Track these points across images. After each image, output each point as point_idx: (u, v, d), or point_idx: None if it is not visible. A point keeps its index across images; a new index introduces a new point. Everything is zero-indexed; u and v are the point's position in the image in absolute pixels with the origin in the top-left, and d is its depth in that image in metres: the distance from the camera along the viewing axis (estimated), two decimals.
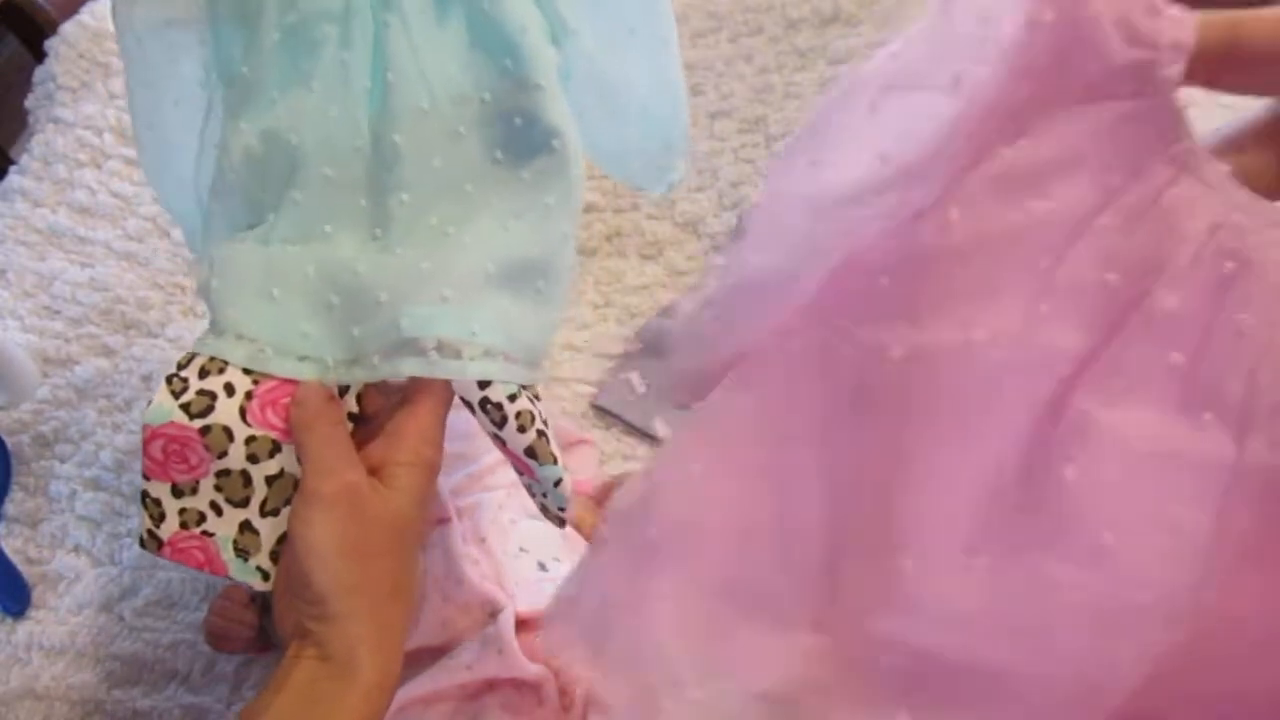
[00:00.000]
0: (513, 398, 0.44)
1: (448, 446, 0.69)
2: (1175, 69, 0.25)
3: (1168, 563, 0.27)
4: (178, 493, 0.44)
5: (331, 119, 0.44)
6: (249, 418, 0.43)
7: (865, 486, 0.30)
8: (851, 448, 0.31)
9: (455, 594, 0.63)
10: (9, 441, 0.85)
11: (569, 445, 0.80)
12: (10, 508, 0.83)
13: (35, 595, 0.78)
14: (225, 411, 0.43)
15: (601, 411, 0.86)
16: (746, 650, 0.28)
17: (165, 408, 0.43)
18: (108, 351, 0.92)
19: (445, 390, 0.45)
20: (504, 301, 0.45)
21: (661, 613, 0.29)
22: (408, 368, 0.43)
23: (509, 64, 0.44)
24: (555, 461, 0.45)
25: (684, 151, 0.57)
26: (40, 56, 1.12)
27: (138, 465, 0.83)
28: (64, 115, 1.06)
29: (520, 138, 0.45)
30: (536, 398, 0.46)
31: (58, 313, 0.94)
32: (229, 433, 0.43)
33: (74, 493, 0.83)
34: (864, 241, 0.31)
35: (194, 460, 0.43)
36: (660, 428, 0.83)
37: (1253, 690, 0.28)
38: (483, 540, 0.65)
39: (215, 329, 0.45)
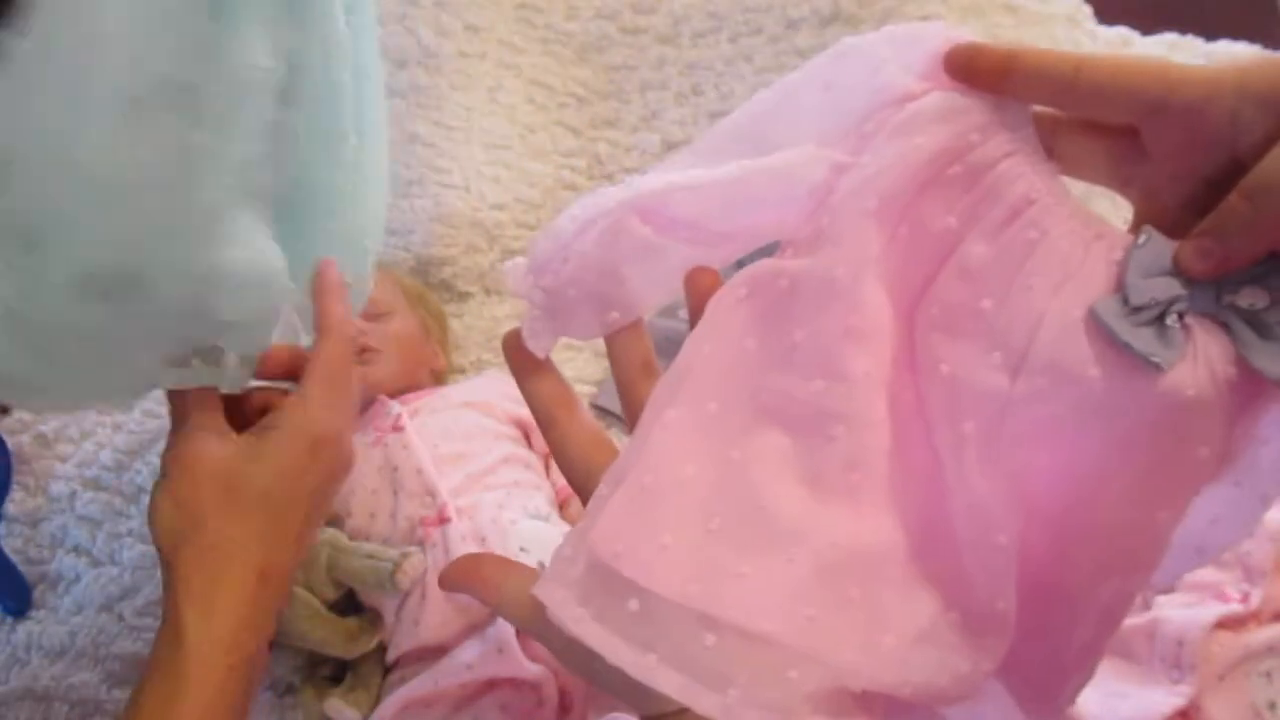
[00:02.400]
0: None
1: (448, 447, 0.69)
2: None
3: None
4: None
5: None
6: None
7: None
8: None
9: (455, 594, 0.63)
10: (9, 441, 0.85)
11: None
12: (10, 507, 0.83)
13: (35, 595, 0.78)
14: None
15: (601, 411, 0.86)
16: (749, 588, 0.30)
17: None
18: None
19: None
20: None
21: (663, 562, 0.30)
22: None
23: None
24: None
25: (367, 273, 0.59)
26: None
27: (138, 465, 0.83)
28: None
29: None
30: None
31: None
32: None
33: (74, 492, 0.83)
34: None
35: None
36: None
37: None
38: (483, 540, 0.65)
39: None
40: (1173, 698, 0.53)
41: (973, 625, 0.31)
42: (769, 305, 0.34)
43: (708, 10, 1.08)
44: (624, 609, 0.30)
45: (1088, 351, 0.29)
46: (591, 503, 0.33)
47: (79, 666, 0.73)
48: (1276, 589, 0.56)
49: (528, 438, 0.78)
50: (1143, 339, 0.28)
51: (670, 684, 0.29)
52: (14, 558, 0.79)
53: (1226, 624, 0.55)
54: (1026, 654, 0.32)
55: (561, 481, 0.77)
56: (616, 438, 0.85)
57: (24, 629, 0.76)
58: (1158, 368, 0.28)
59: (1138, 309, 0.29)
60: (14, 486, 0.84)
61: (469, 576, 0.37)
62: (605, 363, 0.89)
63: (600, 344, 0.89)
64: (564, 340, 0.98)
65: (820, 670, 0.30)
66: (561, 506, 0.75)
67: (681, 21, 1.08)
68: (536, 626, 0.34)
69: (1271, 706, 0.53)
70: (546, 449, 0.79)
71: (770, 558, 0.31)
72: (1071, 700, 0.34)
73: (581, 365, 0.89)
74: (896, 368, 0.32)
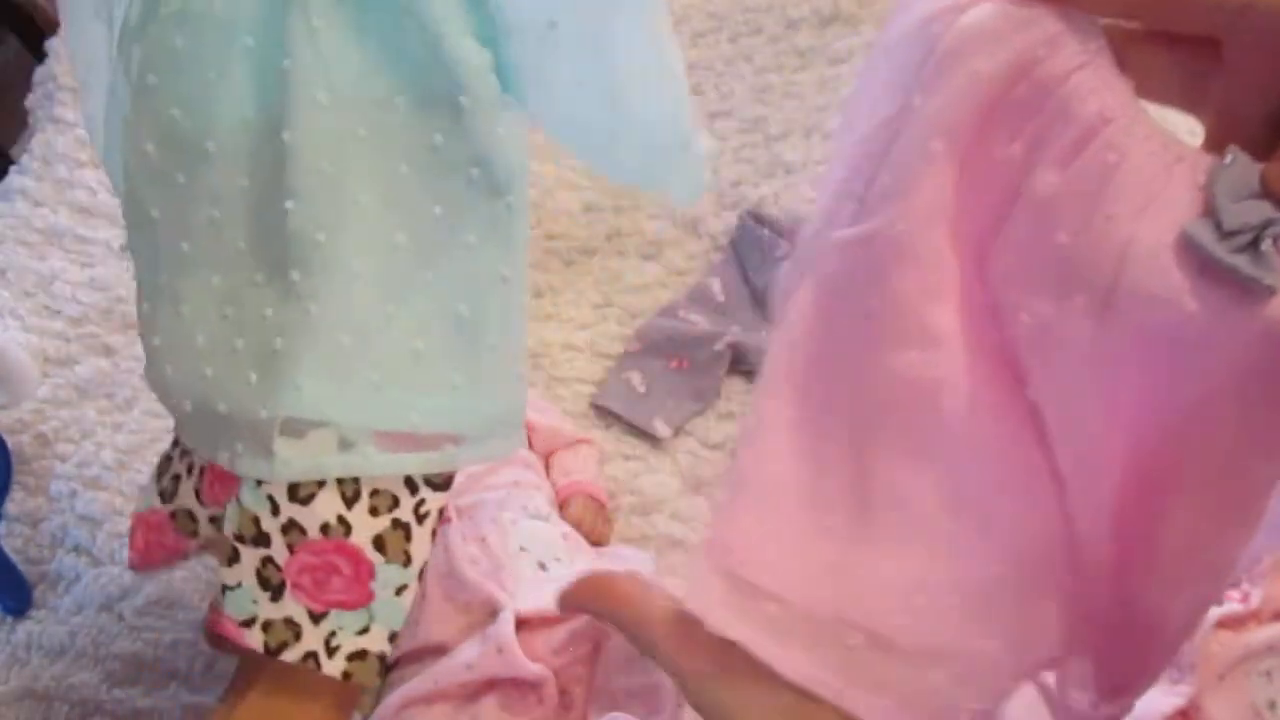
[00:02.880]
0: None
1: None
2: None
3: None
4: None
5: (227, 113, 0.38)
6: (204, 497, 0.42)
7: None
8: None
9: (455, 594, 0.63)
10: (9, 441, 0.85)
11: (569, 445, 0.80)
12: (10, 507, 0.83)
13: (35, 595, 0.78)
14: (184, 494, 0.42)
15: (601, 411, 0.86)
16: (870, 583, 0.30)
17: (149, 494, 0.43)
18: (108, 351, 0.92)
19: None
20: (449, 372, 0.40)
21: (784, 564, 0.30)
22: (330, 467, 0.40)
23: (427, 73, 0.38)
24: (407, 565, 0.41)
25: (702, 151, 0.51)
26: (40, 56, 1.12)
27: (138, 464, 0.83)
28: (64, 115, 1.06)
29: (437, 159, 0.39)
30: (411, 485, 0.42)
31: (58, 312, 0.94)
32: (191, 516, 0.42)
33: (74, 492, 0.83)
34: None
35: (169, 543, 0.44)
36: (660, 428, 0.83)
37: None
38: (483, 540, 0.65)
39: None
40: (1172, 697, 0.53)
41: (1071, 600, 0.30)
42: (839, 281, 0.31)
43: (708, 10, 1.08)
44: (763, 612, 0.29)
45: (1181, 281, 0.26)
46: (713, 513, 0.32)
47: (79, 666, 0.74)
48: (1276, 589, 0.56)
49: (528, 437, 0.78)
50: (1244, 264, 0.26)
51: (826, 688, 0.29)
52: (14, 557, 0.79)
53: (1226, 623, 0.55)
54: (1113, 633, 0.31)
55: (561, 481, 0.77)
56: (617, 438, 0.85)
57: (24, 629, 0.76)
58: (1270, 290, 0.26)
59: (1231, 234, 0.26)
60: (14, 486, 0.84)
61: (603, 594, 0.35)
62: (605, 363, 0.89)
63: (600, 344, 0.90)
64: (564, 340, 0.98)
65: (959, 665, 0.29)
66: (561, 506, 0.75)
67: (681, 21, 1.08)
68: (675, 643, 0.31)
69: (1271, 706, 0.53)
70: (546, 449, 0.79)
71: (899, 548, 0.30)
72: (1146, 689, 0.32)
73: (582, 365, 0.89)
74: (977, 320, 0.30)
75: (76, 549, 0.80)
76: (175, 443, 0.43)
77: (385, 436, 0.40)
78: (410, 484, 0.41)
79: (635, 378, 0.86)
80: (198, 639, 0.74)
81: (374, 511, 0.41)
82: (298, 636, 0.40)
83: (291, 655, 0.40)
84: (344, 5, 0.37)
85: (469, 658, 0.60)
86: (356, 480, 0.40)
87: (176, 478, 0.41)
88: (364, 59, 0.38)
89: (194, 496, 0.41)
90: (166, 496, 0.41)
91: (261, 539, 0.40)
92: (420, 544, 0.42)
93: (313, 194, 0.38)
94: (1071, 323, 0.28)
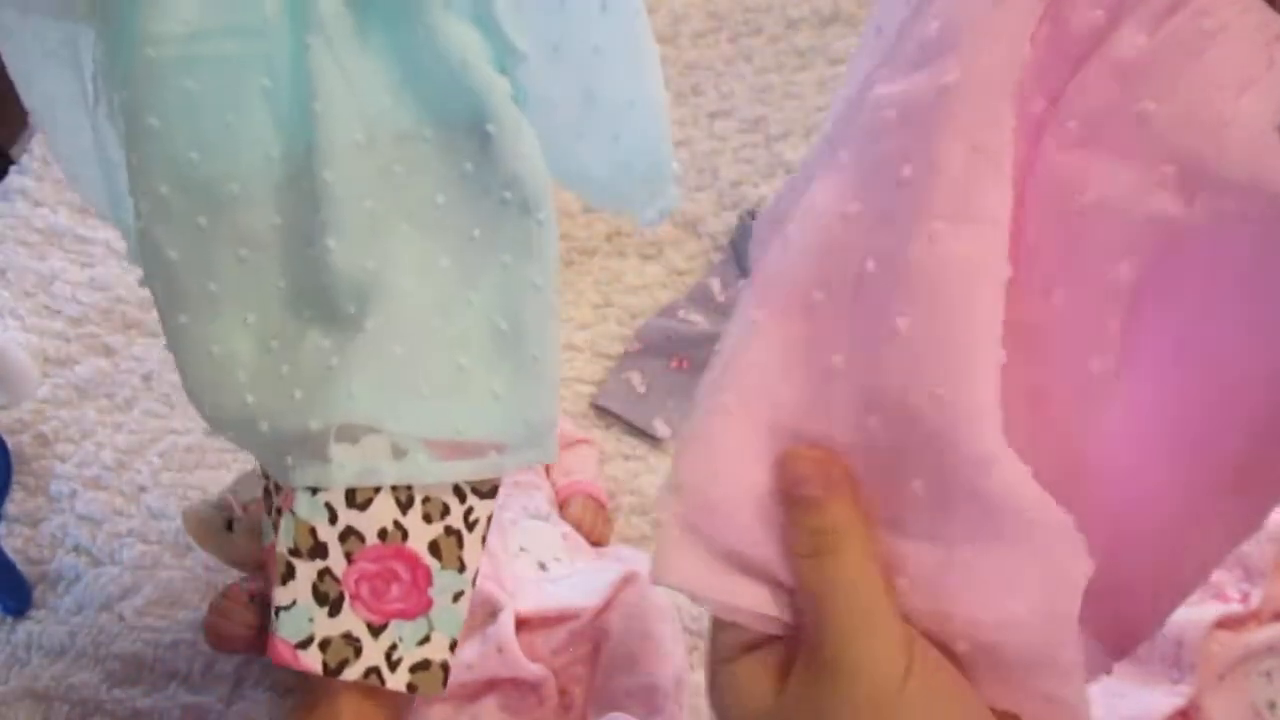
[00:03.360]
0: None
1: None
2: None
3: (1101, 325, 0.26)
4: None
5: (249, 154, 0.39)
6: (358, 610, 0.41)
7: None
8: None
9: None
10: (9, 441, 0.85)
11: (569, 445, 0.80)
12: (10, 507, 0.83)
13: (35, 595, 0.78)
14: (346, 619, 0.41)
15: (601, 411, 0.86)
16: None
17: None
18: (108, 351, 0.92)
19: None
20: (491, 384, 0.41)
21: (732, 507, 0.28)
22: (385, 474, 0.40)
23: (453, 102, 0.39)
24: (462, 571, 0.41)
25: (673, 173, 0.52)
26: None
27: (138, 464, 0.83)
28: None
29: (470, 185, 0.40)
30: (482, 494, 0.43)
31: (58, 312, 0.94)
32: (352, 640, 0.41)
33: (74, 492, 0.83)
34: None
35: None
36: (660, 428, 0.83)
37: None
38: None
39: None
40: (1172, 697, 0.53)
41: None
42: (871, 149, 0.27)
43: (708, 10, 1.08)
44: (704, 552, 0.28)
45: None
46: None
47: (79, 666, 0.74)
48: (1276, 589, 0.56)
49: None
50: None
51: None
52: (14, 558, 0.79)
53: (1226, 624, 0.55)
54: (1128, 567, 0.27)
55: (561, 481, 0.77)
56: (616, 438, 0.85)
57: (24, 629, 0.76)
58: None
59: None
60: (14, 486, 0.84)
61: None
62: (605, 363, 0.89)
63: (600, 344, 0.89)
64: (564, 340, 0.98)
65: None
66: (561, 506, 0.75)
67: (681, 21, 1.08)
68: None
69: (1271, 706, 0.53)
70: None
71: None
72: (1157, 629, 0.29)
73: (582, 365, 0.89)
74: (1032, 196, 0.26)
75: (76, 549, 0.80)
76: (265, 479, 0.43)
77: (434, 445, 0.41)
78: (459, 492, 0.42)
79: (635, 378, 0.86)
80: (198, 639, 0.74)
81: (427, 519, 0.41)
82: (358, 652, 0.40)
83: (353, 673, 0.40)
84: (370, 44, 0.38)
85: (469, 658, 0.60)
86: (409, 488, 0.41)
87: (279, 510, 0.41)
88: (394, 95, 0.39)
89: (352, 614, 0.41)
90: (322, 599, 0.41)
91: (318, 550, 0.40)
92: (472, 551, 0.42)
93: (358, 230, 0.39)
94: (1159, 197, 0.24)
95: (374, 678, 0.40)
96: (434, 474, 0.41)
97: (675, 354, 0.87)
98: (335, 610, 0.40)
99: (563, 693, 0.62)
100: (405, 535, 0.40)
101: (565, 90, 0.44)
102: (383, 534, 0.40)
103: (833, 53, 1.01)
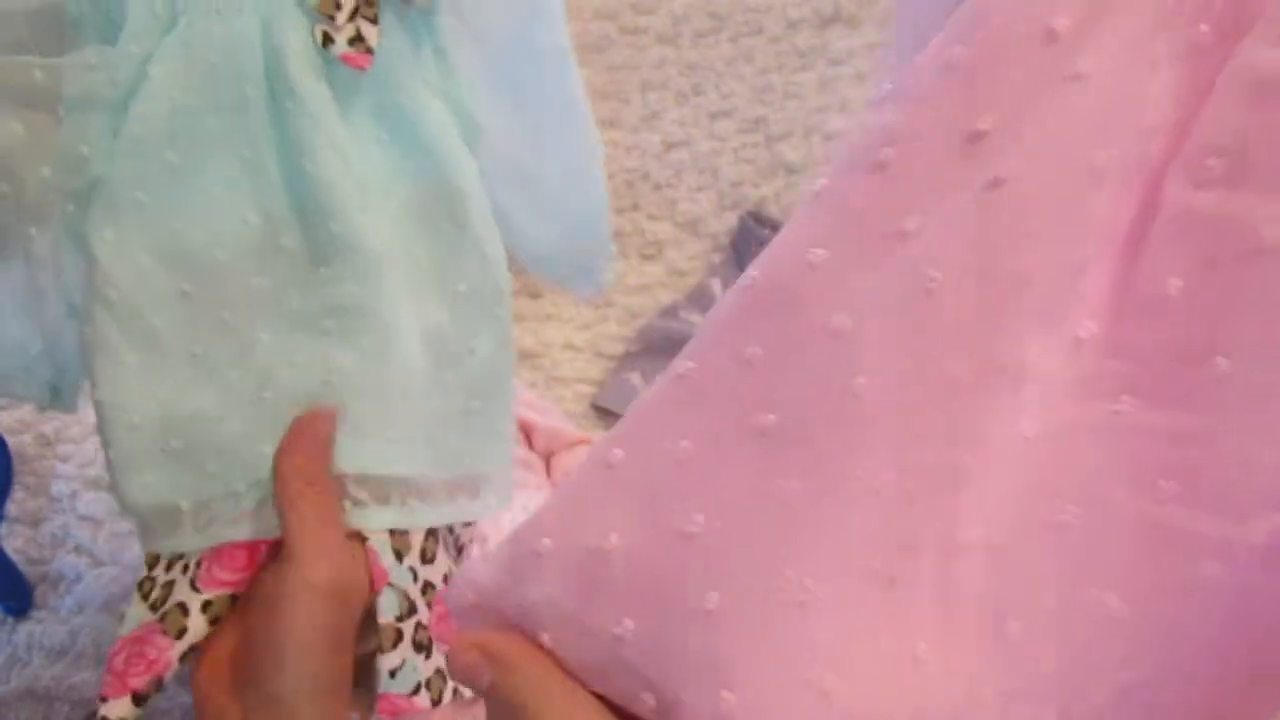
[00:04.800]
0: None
1: None
2: None
3: None
4: (140, 700, 0.41)
5: (230, 222, 0.41)
6: (199, 584, 0.41)
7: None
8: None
9: None
10: (10, 441, 0.85)
11: (569, 445, 0.80)
12: (11, 507, 0.83)
13: (36, 595, 0.78)
14: (180, 590, 0.41)
15: (601, 411, 0.86)
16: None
17: (136, 614, 0.41)
18: None
19: (325, 417, 0.43)
20: (497, 425, 0.46)
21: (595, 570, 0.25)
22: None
23: (428, 165, 0.43)
24: (394, 643, 0.41)
25: (609, 252, 0.56)
26: None
27: None
28: None
29: (446, 243, 0.43)
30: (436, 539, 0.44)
31: None
32: (183, 608, 0.41)
33: (75, 492, 0.83)
34: None
35: (152, 655, 0.40)
36: None
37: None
38: (484, 540, 0.65)
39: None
40: None
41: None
42: (848, 181, 0.24)
43: (708, 10, 1.08)
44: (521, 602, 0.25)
45: None
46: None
47: (80, 666, 0.74)
48: None
49: (528, 438, 0.78)
50: None
51: None
52: (15, 558, 0.79)
53: None
54: None
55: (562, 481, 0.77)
56: None
57: (25, 629, 0.76)
58: None
59: None
60: (15, 486, 0.84)
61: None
62: (605, 363, 0.89)
63: (600, 344, 0.89)
64: (564, 340, 0.98)
65: None
66: None
67: (681, 21, 1.08)
68: None
69: None
70: (547, 450, 0.79)
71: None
72: None
73: (582, 366, 0.89)
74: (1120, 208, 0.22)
75: (77, 549, 0.80)
76: (154, 563, 0.43)
77: (454, 484, 0.45)
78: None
79: (636, 378, 0.86)
80: None
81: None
82: (445, 679, 0.43)
83: (447, 696, 0.43)
84: (346, 114, 0.42)
85: None
86: (451, 529, 0.46)
87: (168, 584, 0.41)
88: (372, 160, 0.42)
89: (189, 588, 0.41)
90: (158, 604, 0.41)
91: (412, 609, 0.42)
92: None
93: (375, 274, 0.42)
94: None
95: (459, 697, 0.44)
96: (469, 510, 0.46)
97: (675, 354, 0.86)
98: (429, 654, 0.43)
99: None
100: None
101: (516, 166, 0.48)
102: (445, 578, 0.44)
103: (833, 53, 1.01)
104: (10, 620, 0.76)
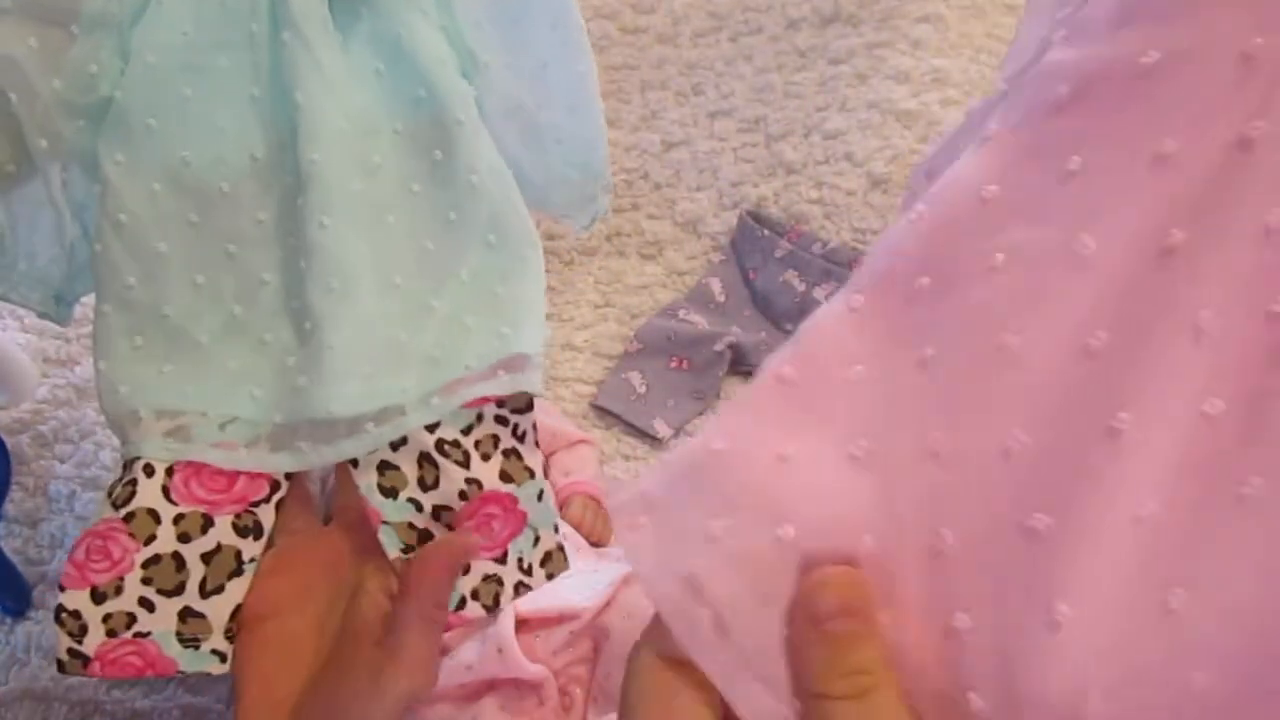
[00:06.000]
0: (468, 429, 0.43)
1: None
2: None
3: None
4: (99, 597, 0.40)
5: (237, 156, 0.42)
6: (175, 496, 0.41)
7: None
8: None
9: None
10: (9, 441, 0.85)
11: (569, 445, 0.80)
12: (10, 508, 0.83)
13: (35, 595, 0.78)
14: (147, 493, 0.41)
15: (601, 411, 0.86)
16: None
17: (99, 512, 0.41)
18: None
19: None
20: (495, 327, 0.44)
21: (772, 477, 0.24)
22: (347, 449, 0.42)
23: (423, 95, 0.43)
24: (533, 476, 0.44)
25: (607, 182, 0.56)
26: None
27: None
28: None
29: (440, 172, 0.44)
30: (501, 419, 0.44)
31: None
32: (155, 515, 0.41)
33: (73, 493, 0.83)
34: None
35: (116, 554, 0.40)
36: (660, 428, 0.83)
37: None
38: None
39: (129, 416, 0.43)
40: None
41: None
42: (1030, 125, 0.22)
43: (708, 10, 1.08)
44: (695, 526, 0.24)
45: None
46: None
47: None
48: None
49: None
50: None
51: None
52: (14, 558, 0.79)
53: None
54: None
55: (561, 482, 0.77)
56: (616, 438, 0.85)
57: (24, 629, 0.75)
58: None
59: None
60: (13, 487, 0.84)
61: None
62: (606, 363, 0.89)
63: (600, 344, 0.89)
64: (564, 340, 0.97)
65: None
66: (561, 507, 0.75)
67: (681, 21, 1.07)
68: None
69: None
70: (547, 449, 0.79)
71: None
72: None
73: (582, 365, 0.89)
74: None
75: None
76: (125, 470, 0.43)
77: (446, 390, 0.43)
78: (500, 420, 0.44)
79: (635, 378, 0.86)
80: None
81: (485, 457, 0.44)
82: (500, 582, 0.44)
83: (505, 599, 0.44)
84: (344, 42, 0.43)
85: (469, 658, 0.60)
86: (457, 443, 0.43)
87: (131, 482, 0.41)
88: (366, 91, 0.43)
89: (162, 496, 0.41)
90: (120, 502, 0.41)
91: (425, 536, 0.43)
92: (533, 457, 0.45)
93: (347, 209, 0.42)
94: None
95: (521, 590, 0.44)
96: (445, 407, 0.43)
97: (675, 354, 0.86)
98: (466, 570, 0.43)
99: (563, 693, 0.62)
100: (480, 485, 0.43)
101: (515, 100, 0.48)
102: (463, 495, 0.43)
103: (833, 53, 1.01)
104: (9, 621, 0.76)
